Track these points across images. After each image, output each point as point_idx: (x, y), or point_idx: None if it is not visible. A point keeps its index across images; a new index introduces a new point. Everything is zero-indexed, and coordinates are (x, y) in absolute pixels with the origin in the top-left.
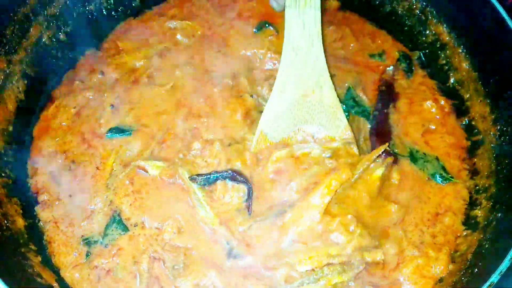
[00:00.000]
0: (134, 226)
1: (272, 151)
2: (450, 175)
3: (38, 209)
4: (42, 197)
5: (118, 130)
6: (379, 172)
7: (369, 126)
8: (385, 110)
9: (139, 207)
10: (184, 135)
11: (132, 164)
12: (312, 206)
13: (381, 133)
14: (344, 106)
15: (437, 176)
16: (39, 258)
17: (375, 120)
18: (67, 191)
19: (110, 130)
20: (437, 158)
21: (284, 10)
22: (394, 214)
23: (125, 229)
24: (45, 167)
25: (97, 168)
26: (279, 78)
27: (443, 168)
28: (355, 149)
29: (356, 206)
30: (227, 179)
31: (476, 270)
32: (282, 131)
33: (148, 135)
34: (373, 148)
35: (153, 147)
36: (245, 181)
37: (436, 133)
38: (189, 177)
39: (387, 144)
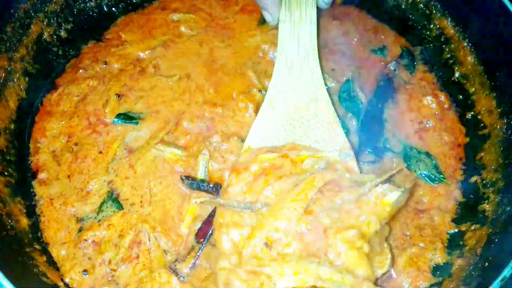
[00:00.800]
0: (131, 205)
1: (258, 154)
2: (441, 175)
3: (35, 183)
4: (41, 175)
5: (126, 117)
6: (394, 196)
7: (355, 123)
8: (380, 106)
9: (139, 188)
10: (198, 126)
11: (148, 147)
12: (292, 200)
13: (371, 129)
14: (337, 97)
15: (429, 175)
16: (44, 258)
17: (367, 115)
18: (67, 171)
19: (118, 116)
20: (431, 157)
21: (278, 24)
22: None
23: (120, 207)
24: (48, 146)
25: (100, 152)
26: (270, 93)
27: (436, 168)
28: (354, 165)
29: (359, 229)
30: (206, 192)
31: (487, 264)
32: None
33: (156, 124)
34: (361, 144)
35: (161, 136)
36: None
37: (434, 130)
38: (180, 176)
39: (404, 165)
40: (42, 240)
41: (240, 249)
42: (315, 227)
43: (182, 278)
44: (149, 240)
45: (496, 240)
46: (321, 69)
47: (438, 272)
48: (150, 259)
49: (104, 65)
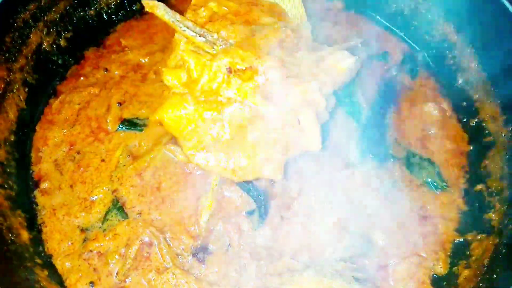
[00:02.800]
0: (138, 214)
1: None
2: (445, 183)
3: (37, 193)
4: (43, 185)
5: (131, 124)
6: (349, 62)
7: (357, 128)
8: (382, 111)
9: (146, 195)
10: None
11: (159, 147)
12: (252, 42)
13: (373, 134)
14: (338, 102)
15: (432, 183)
16: (46, 272)
17: (369, 120)
18: (69, 181)
19: (122, 122)
20: (433, 164)
21: None
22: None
23: (125, 216)
24: (49, 155)
25: (103, 160)
26: None
27: (439, 175)
28: (310, 36)
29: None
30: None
31: (495, 276)
32: None
33: (160, 130)
34: (363, 151)
35: (165, 142)
36: (256, 198)
37: (436, 138)
38: None
39: (360, 40)
40: (43, 253)
41: (194, 77)
42: (278, 69)
43: (203, 266)
44: (159, 245)
45: (504, 250)
46: None
47: (445, 283)
48: (161, 262)
49: (105, 72)
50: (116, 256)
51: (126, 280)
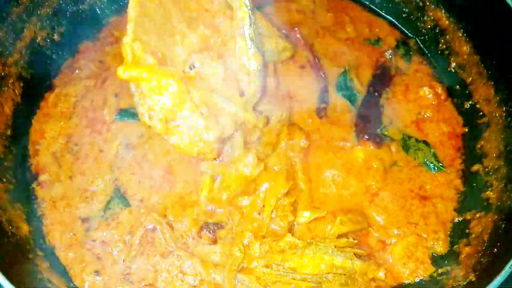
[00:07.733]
0: (140, 202)
1: None
2: (441, 164)
3: (36, 187)
4: (42, 178)
5: (128, 114)
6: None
7: (352, 111)
8: (377, 95)
9: (147, 181)
10: None
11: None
12: None
13: (368, 116)
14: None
15: (428, 163)
16: (47, 264)
17: (364, 104)
18: (68, 173)
19: (120, 113)
20: (429, 146)
21: None
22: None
23: (127, 204)
24: (47, 148)
25: (101, 150)
26: None
27: (435, 156)
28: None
29: None
30: None
31: (496, 250)
32: None
33: None
34: (357, 133)
35: None
36: None
37: (431, 121)
38: None
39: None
40: (44, 245)
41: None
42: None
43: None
44: (161, 229)
45: (503, 225)
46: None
47: (446, 261)
48: (165, 246)
49: (100, 64)
50: (120, 244)
51: (132, 266)
